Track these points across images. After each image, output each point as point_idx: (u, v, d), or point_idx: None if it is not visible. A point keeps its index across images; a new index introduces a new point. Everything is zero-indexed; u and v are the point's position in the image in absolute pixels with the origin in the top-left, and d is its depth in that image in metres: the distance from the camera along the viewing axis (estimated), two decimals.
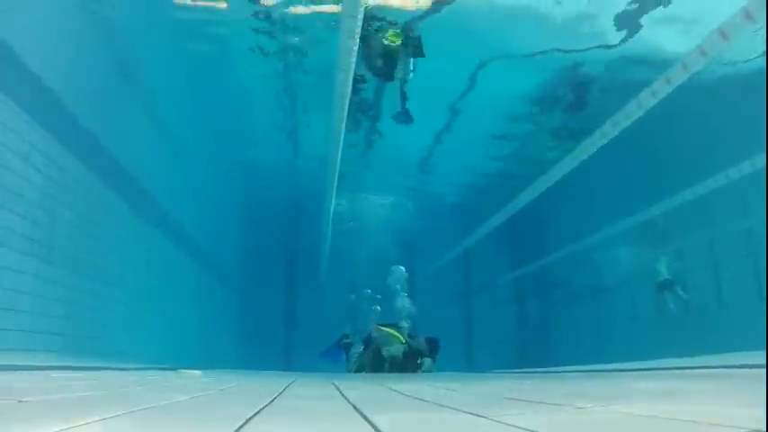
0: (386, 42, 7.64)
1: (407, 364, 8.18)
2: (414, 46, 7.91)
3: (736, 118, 7.87)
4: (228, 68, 9.18)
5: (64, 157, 5.37)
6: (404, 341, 8.17)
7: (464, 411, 2.14)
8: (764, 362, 4.02)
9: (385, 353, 8.14)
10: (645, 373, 5.06)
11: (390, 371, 8.09)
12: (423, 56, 7.93)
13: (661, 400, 2.55)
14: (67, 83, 5.40)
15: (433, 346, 8.40)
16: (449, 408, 2.35)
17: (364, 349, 8.88)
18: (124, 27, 6.63)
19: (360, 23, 5.01)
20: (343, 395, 2.96)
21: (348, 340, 9.91)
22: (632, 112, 6.30)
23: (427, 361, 8.19)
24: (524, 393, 3.16)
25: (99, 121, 6.03)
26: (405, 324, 8.74)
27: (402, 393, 3.21)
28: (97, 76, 6.13)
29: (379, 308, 10.61)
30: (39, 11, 4.89)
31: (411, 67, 8.18)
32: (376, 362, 8.28)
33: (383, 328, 8.42)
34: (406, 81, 8.48)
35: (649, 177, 9.84)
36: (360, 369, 8.61)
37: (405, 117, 9.40)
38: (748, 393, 2.73)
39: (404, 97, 9.29)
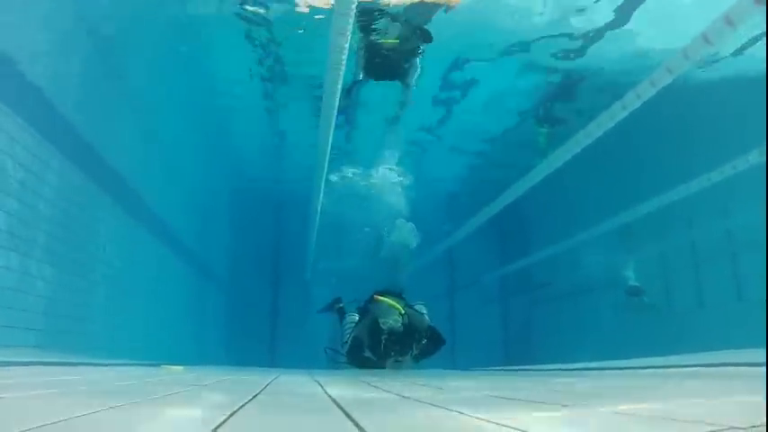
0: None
1: (406, 339, 7.51)
2: (418, 35, 7.53)
3: (717, 120, 7.98)
4: (212, 64, 9.09)
5: (47, 151, 5.27)
6: (403, 312, 7.49)
7: (452, 410, 2.14)
8: (744, 360, 4.10)
9: (383, 325, 7.42)
10: (628, 371, 5.13)
11: (388, 344, 7.44)
12: (430, 40, 7.53)
13: (647, 398, 2.57)
14: (52, 77, 5.30)
15: (433, 334, 7.74)
16: (437, 407, 2.35)
17: (360, 320, 8.10)
18: (111, 22, 6.52)
19: (351, 20, 4.89)
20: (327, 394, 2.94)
21: (341, 305, 9.14)
22: (616, 112, 6.31)
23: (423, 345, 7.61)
24: (510, 392, 3.18)
25: (82, 115, 5.93)
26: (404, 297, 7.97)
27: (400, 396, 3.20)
28: (81, 68, 6.02)
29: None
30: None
31: (418, 65, 7.99)
32: (373, 334, 7.54)
33: (381, 297, 7.64)
34: (410, 85, 8.33)
35: (634, 178, 9.92)
36: (356, 342, 7.82)
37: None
38: (734, 391, 2.77)
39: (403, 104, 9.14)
